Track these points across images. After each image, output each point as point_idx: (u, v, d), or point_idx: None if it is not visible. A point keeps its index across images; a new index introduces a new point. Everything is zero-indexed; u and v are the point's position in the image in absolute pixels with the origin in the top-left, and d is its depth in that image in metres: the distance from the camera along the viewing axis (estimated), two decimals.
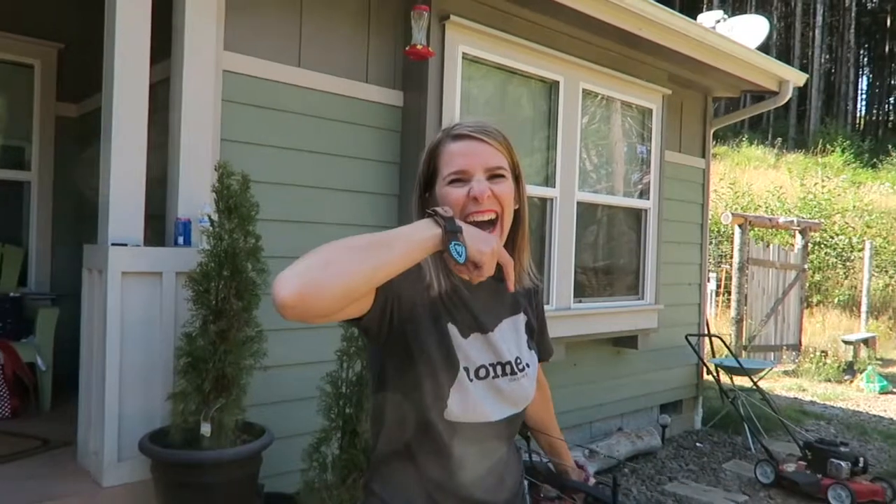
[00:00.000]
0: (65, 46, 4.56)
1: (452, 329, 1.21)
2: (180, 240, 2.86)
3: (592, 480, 1.55)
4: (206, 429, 2.54)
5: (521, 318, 1.36)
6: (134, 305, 2.72)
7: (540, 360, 1.40)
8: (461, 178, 1.21)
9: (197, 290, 2.61)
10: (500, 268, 1.22)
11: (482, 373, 1.22)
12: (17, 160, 4.57)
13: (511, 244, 1.30)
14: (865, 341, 10.08)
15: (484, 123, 1.25)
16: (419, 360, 1.17)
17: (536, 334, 1.41)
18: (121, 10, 2.75)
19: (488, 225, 1.20)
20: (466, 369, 1.20)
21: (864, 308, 11.28)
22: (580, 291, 4.57)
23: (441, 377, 1.18)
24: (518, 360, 1.29)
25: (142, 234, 2.81)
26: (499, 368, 1.25)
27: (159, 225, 3.01)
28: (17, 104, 4.54)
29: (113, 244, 2.70)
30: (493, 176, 1.22)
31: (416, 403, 1.18)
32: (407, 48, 3.39)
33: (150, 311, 2.76)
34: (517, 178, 1.27)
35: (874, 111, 43.97)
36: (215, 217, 2.67)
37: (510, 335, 1.31)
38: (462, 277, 1.25)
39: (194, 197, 2.92)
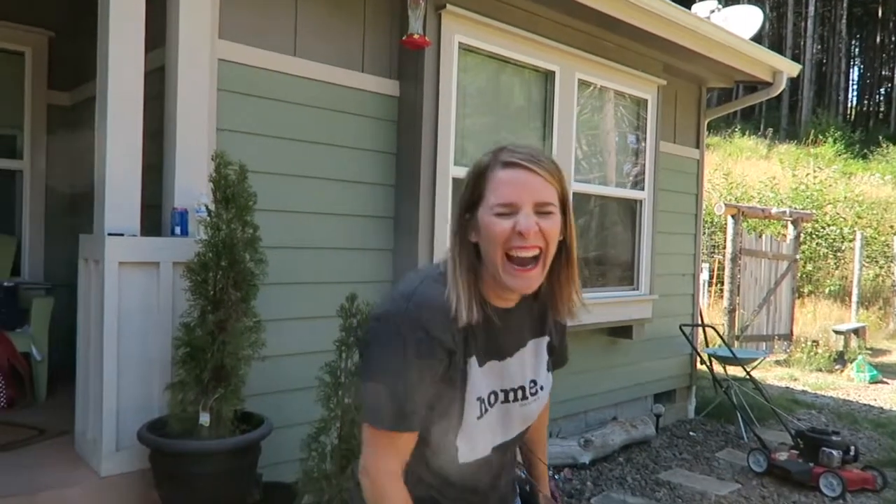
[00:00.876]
0: (56, 34, 4.51)
1: (472, 362, 1.21)
2: (177, 230, 2.85)
3: None
4: (204, 418, 2.54)
5: (545, 340, 1.36)
6: (131, 295, 2.71)
7: (553, 369, 1.41)
8: (508, 212, 1.15)
9: (195, 281, 2.60)
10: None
11: (492, 399, 1.25)
12: (9, 149, 4.53)
13: (554, 275, 1.24)
14: (856, 331, 10.16)
15: (535, 151, 1.19)
16: (436, 418, 1.21)
17: (557, 348, 1.41)
18: None
19: (531, 261, 1.16)
20: (480, 399, 1.22)
21: (854, 298, 11.37)
22: None
23: (454, 427, 1.21)
24: (533, 384, 1.31)
25: (138, 224, 2.80)
26: (511, 394, 1.27)
27: (156, 215, 3.00)
28: (7, 92, 4.48)
29: (109, 234, 2.68)
30: (542, 211, 1.16)
31: (429, 445, 1.23)
32: (403, 38, 3.37)
33: (147, 301, 2.75)
34: (564, 210, 1.21)
35: (865, 102, 44.18)
36: (212, 207, 2.66)
37: (530, 358, 1.32)
38: (496, 306, 1.23)
39: (191, 187, 2.91)
